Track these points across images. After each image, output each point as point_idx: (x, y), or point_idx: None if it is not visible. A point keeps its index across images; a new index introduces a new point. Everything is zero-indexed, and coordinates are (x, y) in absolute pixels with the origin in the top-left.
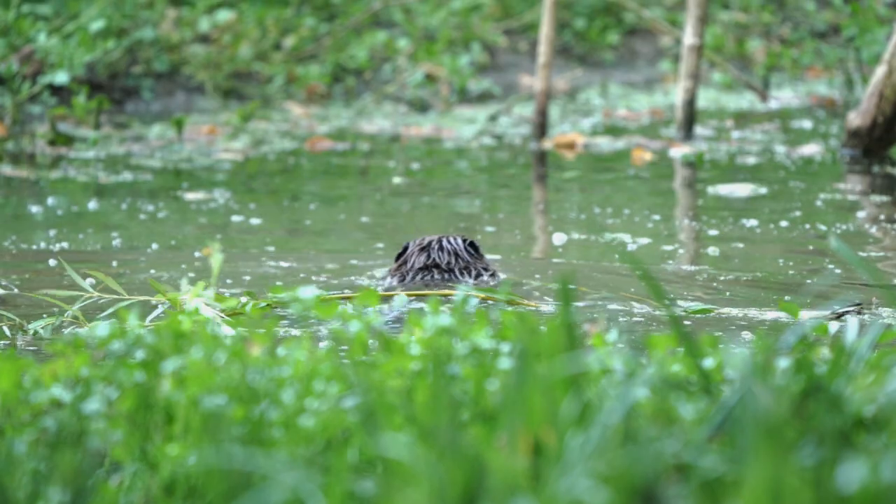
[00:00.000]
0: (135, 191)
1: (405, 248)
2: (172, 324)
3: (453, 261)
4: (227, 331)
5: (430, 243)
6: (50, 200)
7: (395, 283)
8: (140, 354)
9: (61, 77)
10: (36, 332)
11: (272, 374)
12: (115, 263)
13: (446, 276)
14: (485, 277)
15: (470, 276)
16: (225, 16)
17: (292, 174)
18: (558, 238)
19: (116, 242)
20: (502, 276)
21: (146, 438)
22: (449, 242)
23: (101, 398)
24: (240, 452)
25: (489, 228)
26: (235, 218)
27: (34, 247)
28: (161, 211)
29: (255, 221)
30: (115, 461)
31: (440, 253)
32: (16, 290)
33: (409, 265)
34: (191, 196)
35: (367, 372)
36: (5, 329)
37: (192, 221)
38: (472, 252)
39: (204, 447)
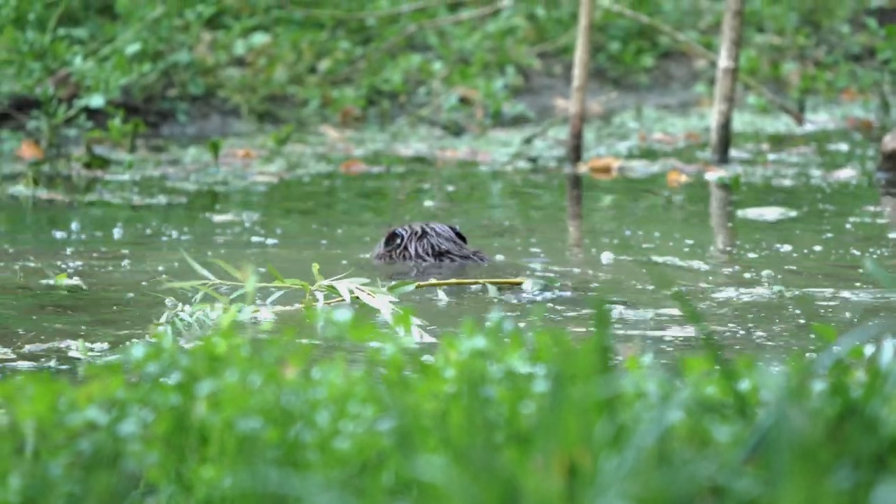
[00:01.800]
0: (165, 213)
1: (394, 235)
2: (207, 346)
3: (452, 247)
4: (380, 306)
5: (424, 230)
6: (74, 224)
7: (405, 268)
8: (175, 377)
9: (97, 100)
10: (188, 322)
11: (307, 396)
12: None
13: (451, 259)
14: (485, 264)
15: (468, 259)
16: (260, 39)
17: (326, 197)
18: (605, 257)
19: (125, 263)
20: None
21: (181, 461)
22: (443, 229)
23: (137, 420)
24: (275, 475)
25: (528, 249)
26: (256, 238)
27: (61, 263)
28: (185, 234)
29: (271, 241)
30: (150, 483)
31: (440, 239)
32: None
33: (411, 251)
34: (218, 218)
35: (401, 394)
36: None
37: (211, 242)
38: (461, 238)
39: (239, 469)
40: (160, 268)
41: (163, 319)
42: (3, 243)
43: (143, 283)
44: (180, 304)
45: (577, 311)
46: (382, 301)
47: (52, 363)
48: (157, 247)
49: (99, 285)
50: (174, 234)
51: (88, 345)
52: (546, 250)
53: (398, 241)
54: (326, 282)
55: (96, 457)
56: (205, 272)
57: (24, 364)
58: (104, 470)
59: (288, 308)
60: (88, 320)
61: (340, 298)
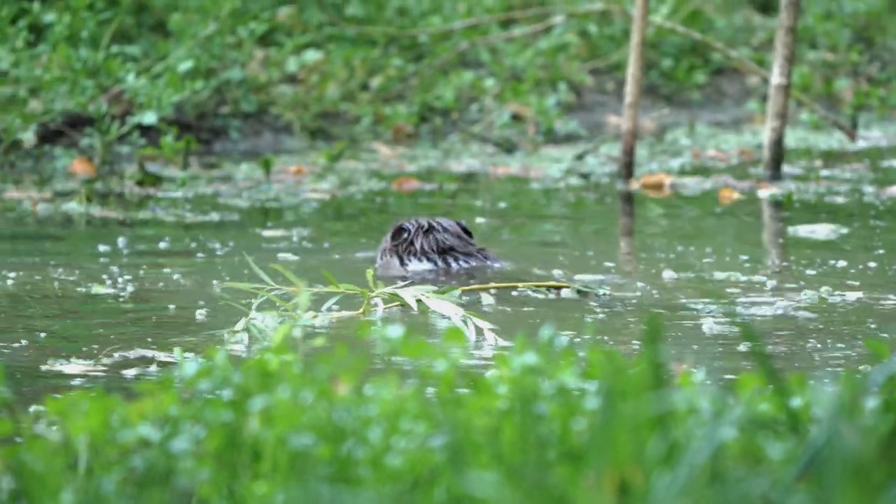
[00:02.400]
0: (216, 229)
1: (401, 229)
2: (259, 363)
3: (457, 243)
4: (447, 310)
5: (431, 226)
6: (121, 240)
7: (414, 267)
8: (227, 393)
9: (150, 117)
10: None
11: (359, 412)
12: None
13: (455, 258)
14: (493, 264)
15: (472, 257)
16: (312, 56)
17: (377, 213)
18: (668, 275)
19: (176, 276)
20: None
21: (233, 477)
22: (449, 224)
23: (189, 437)
24: (327, 491)
25: (582, 264)
26: (294, 255)
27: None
28: (232, 248)
29: (311, 256)
30: (202, 500)
31: (446, 235)
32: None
33: (416, 247)
34: (268, 233)
35: (454, 411)
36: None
37: (259, 255)
38: (467, 234)
39: (291, 486)
40: (213, 281)
41: (239, 326)
42: (56, 257)
43: (197, 292)
44: (253, 311)
45: (625, 320)
46: (449, 306)
47: (153, 368)
48: (209, 260)
49: (151, 296)
50: (222, 247)
51: (187, 354)
52: (601, 267)
53: (405, 235)
54: (389, 289)
55: (149, 473)
56: (264, 276)
57: (125, 373)
58: (156, 486)
59: (346, 313)
60: (155, 329)
61: (397, 304)
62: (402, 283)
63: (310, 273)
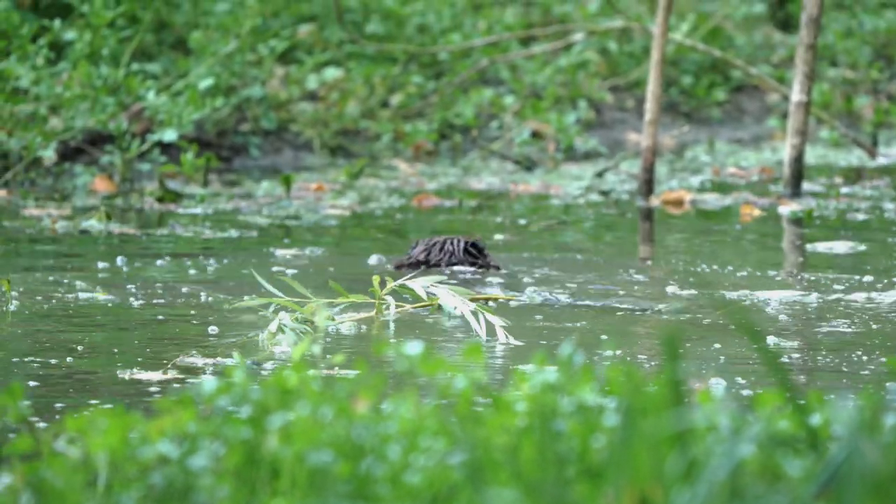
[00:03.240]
0: (232, 245)
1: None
2: (279, 380)
3: (446, 259)
4: (457, 303)
5: (434, 244)
6: (120, 258)
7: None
8: (246, 410)
9: (170, 135)
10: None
11: (378, 429)
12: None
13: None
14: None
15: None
16: (332, 74)
17: (397, 231)
18: (671, 289)
19: (186, 289)
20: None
21: (252, 494)
22: (451, 244)
23: (208, 454)
24: None
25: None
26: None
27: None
28: (236, 266)
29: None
30: None
31: (438, 252)
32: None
33: (409, 257)
34: (281, 252)
35: (472, 428)
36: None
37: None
38: (474, 252)
39: (310, 503)
40: (222, 295)
41: (273, 328)
42: (74, 273)
43: (214, 305)
44: (284, 312)
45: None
46: (460, 299)
47: (212, 373)
48: (220, 275)
49: (169, 306)
50: (233, 261)
51: (249, 359)
52: (612, 280)
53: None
54: (399, 281)
55: (168, 490)
56: (273, 289)
57: (193, 380)
58: (176, 503)
59: (361, 316)
60: (193, 336)
61: (412, 306)
62: (409, 276)
63: (313, 279)
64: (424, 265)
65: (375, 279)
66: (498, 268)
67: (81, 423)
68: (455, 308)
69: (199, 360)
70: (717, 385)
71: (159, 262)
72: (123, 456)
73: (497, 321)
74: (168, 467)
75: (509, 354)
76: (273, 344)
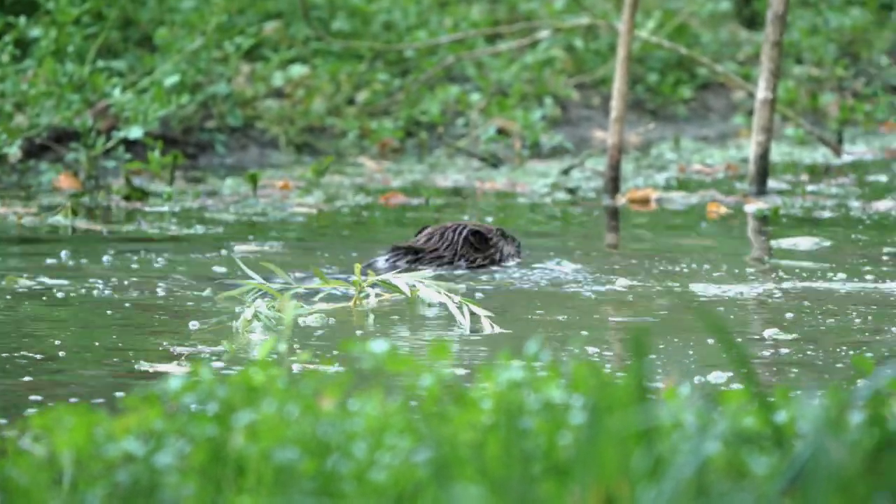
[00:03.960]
0: (190, 243)
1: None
2: (244, 377)
3: (444, 248)
4: (441, 297)
5: (436, 232)
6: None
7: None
8: (212, 408)
9: (136, 132)
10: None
11: (343, 427)
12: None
13: (426, 258)
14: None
15: (449, 262)
16: (298, 71)
17: (362, 228)
18: (621, 283)
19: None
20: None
21: (218, 492)
22: (453, 233)
23: (174, 451)
24: None
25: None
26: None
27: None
28: (192, 263)
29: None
30: None
31: (438, 240)
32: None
33: (412, 242)
34: (240, 248)
35: (438, 425)
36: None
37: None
38: (474, 242)
39: (276, 500)
40: (192, 281)
41: (248, 315)
42: (46, 270)
43: (189, 298)
44: (257, 300)
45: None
46: (443, 292)
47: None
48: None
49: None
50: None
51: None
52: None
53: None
54: (381, 277)
55: (133, 488)
56: (253, 274)
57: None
58: (141, 501)
59: (332, 307)
60: (171, 328)
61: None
62: (396, 272)
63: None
64: (421, 252)
65: (357, 267)
66: (498, 261)
67: (47, 420)
68: (436, 301)
69: (198, 350)
70: (718, 379)
71: (133, 256)
72: (89, 454)
73: (482, 312)
74: (133, 465)
75: (499, 343)
76: (248, 331)
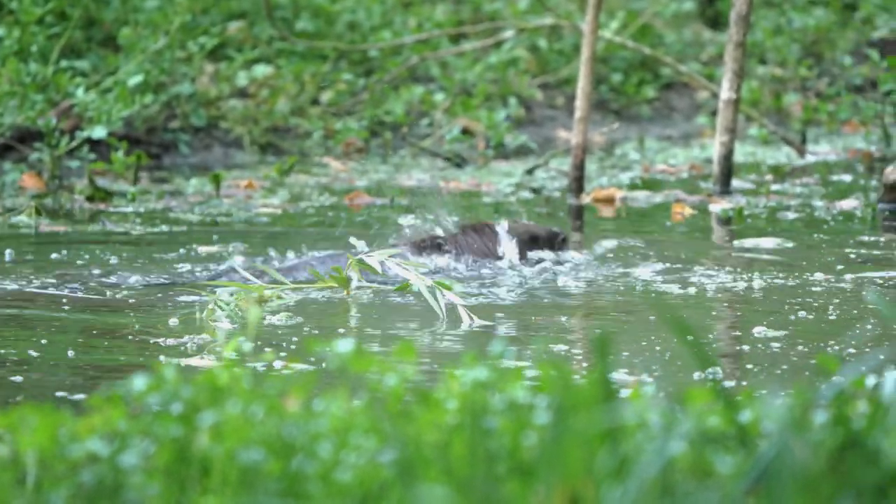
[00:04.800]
0: (152, 243)
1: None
2: (209, 377)
3: (476, 244)
4: (411, 277)
5: (476, 226)
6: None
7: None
8: (177, 408)
9: (99, 132)
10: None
11: (308, 427)
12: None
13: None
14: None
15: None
16: (262, 71)
17: (327, 228)
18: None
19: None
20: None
21: (183, 492)
22: (490, 229)
23: (138, 452)
24: None
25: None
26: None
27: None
28: (154, 263)
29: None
30: None
31: (466, 235)
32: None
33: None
34: (203, 249)
35: (403, 425)
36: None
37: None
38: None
39: (240, 501)
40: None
41: (212, 306)
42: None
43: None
44: (218, 292)
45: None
46: (414, 274)
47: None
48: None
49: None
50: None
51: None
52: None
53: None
54: (359, 256)
55: (98, 488)
56: (246, 274)
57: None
58: (105, 501)
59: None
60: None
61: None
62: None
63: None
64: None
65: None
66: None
67: (10, 420)
68: (412, 283)
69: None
70: (713, 374)
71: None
72: (53, 454)
73: (458, 300)
74: (98, 465)
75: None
76: (213, 320)
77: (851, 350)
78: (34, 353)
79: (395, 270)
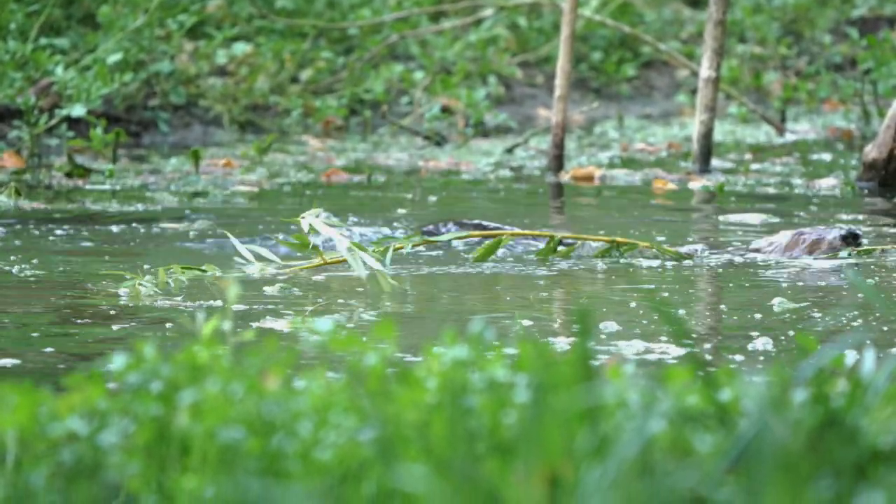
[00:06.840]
0: (118, 220)
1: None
2: (189, 355)
3: None
4: (332, 234)
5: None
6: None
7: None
8: (156, 386)
9: (78, 110)
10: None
11: (288, 406)
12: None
13: None
14: None
15: None
16: (242, 49)
17: (301, 206)
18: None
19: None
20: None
21: (162, 471)
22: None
23: (118, 431)
24: (256, 485)
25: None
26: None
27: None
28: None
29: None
30: (130, 494)
31: None
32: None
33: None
34: (167, 225)
35: (383, 404)
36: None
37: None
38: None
39: (220, 479)
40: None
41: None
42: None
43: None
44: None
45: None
46: (338, 236)
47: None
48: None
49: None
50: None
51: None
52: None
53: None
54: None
55: (77, 467)
56: (246, 252)
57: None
58: (85, 480)
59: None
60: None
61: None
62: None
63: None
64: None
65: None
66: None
67: None
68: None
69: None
70: (663, 355)
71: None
72: (32, 433)
73: (376, 264)
74: (77, 444)
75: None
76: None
77: (829, 327)
78: (11, 328)
79: (322, 231)
